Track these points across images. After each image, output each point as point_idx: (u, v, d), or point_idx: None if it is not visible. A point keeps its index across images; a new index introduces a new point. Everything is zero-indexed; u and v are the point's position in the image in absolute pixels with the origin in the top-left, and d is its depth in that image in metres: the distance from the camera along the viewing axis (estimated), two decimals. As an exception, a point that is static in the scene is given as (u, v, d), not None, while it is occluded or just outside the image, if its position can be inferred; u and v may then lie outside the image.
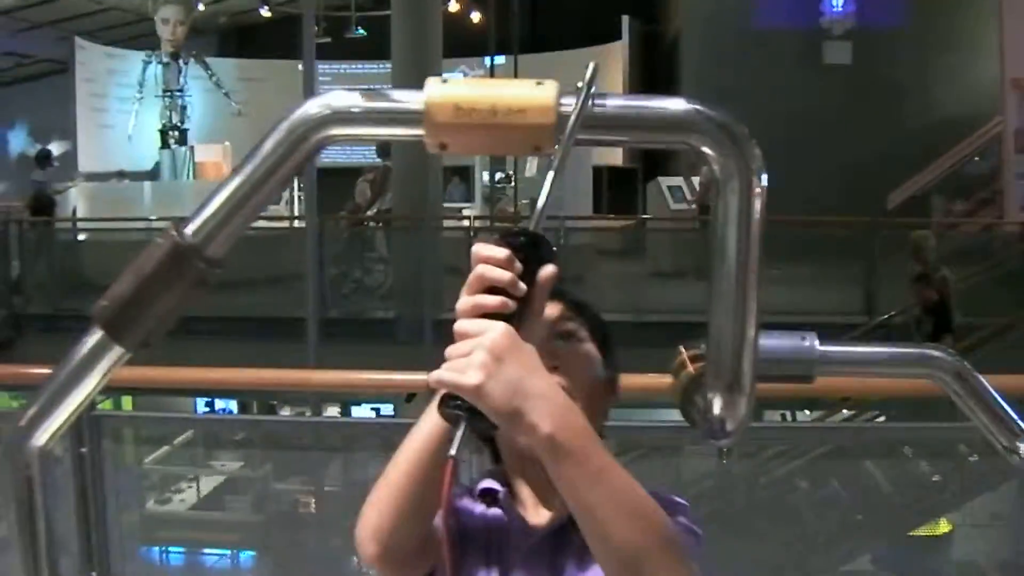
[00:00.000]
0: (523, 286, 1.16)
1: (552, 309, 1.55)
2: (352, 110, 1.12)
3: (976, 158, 17.60)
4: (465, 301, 1.17)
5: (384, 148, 12.73)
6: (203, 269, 1.17)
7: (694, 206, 15.97)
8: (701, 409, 1.29)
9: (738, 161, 1.12)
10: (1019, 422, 1.57)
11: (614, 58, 21.23)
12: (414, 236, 12.69)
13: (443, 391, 1.14)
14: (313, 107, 1.13)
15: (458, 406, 1.12)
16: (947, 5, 16.99)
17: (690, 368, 1.40)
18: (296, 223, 14.51)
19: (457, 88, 1.11)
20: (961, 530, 5.56)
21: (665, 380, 1.38)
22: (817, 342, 1.68)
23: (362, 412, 11.30)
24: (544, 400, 1.15)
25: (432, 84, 1.11)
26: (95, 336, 1.20)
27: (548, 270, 1.19)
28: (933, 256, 10.00)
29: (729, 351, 1.20)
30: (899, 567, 5.72)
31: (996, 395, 1.58)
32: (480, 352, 1.11)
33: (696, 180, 16.16)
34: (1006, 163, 16.31)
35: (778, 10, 17.10)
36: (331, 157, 22.82)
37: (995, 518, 5.33)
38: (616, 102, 1.13)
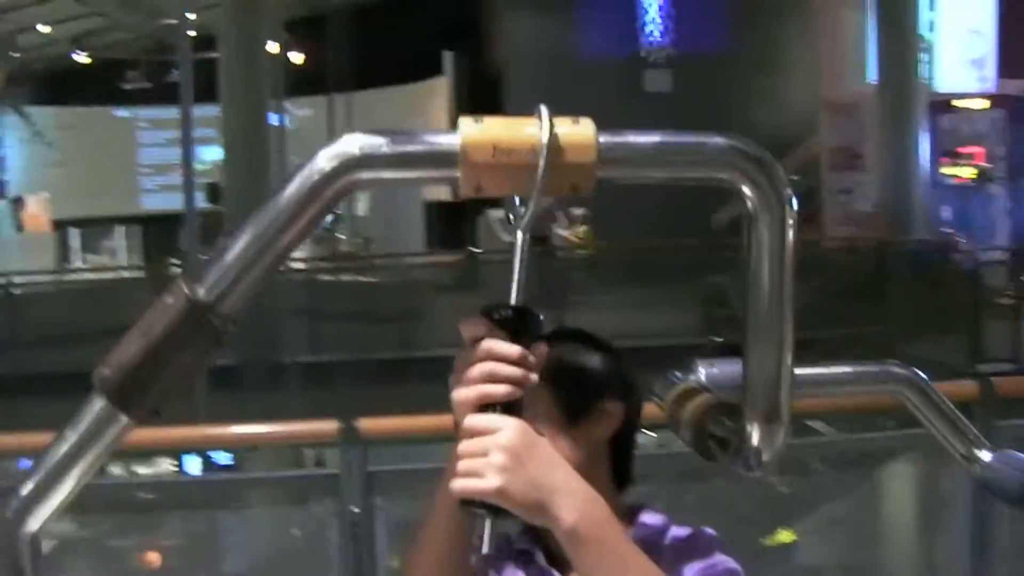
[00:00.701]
0: (534, 378, 1.13)
1: None
2: (380, 152, 1.07)
3: (795, 177, 18.27)
4: (469, 392, 1.13)
5: (214, 193, 12.45)
6: (219, 327, 1.09)
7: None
8: (727, 441, 1.27)
9: (772, 195, 1.12)
10: (975, 432, 1.61)
11: (438, 93, 21.30)
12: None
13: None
14: (337, 151, 1.06)
15: (482, 504, 1.11)
16: (765, 30, 17.62)
17: (695, 400, 1.39)
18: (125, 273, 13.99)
19: (494, 128, 1.07)
20: (806, 537, 5.73)
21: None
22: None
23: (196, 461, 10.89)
24: (565, 493, 1.14)
25: (467, 124, 1.07)
26: (97, 406, 1.10)
27: (542, 349, 1.16)
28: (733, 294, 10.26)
29: (767, 382, 1.19)
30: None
31: (952, 407, 1.62)
32: (498, 454, 1.09)
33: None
34: (824, 182, 16.99)
35: (599, 40, 17.46)
36: (155, 204, 22.28)
37: (835, 524, 5.52)
38: (652, 139, 1.11)
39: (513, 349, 1.12)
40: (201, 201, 14.05)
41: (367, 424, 2.93)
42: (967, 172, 15.64)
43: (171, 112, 23.03)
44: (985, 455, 1.58)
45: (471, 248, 17.02)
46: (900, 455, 3.97)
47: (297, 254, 17.23)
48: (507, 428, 1.11)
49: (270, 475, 3.29)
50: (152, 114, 22.08)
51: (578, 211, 16.54)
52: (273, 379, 11.21)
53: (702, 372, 1.64)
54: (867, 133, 16.29)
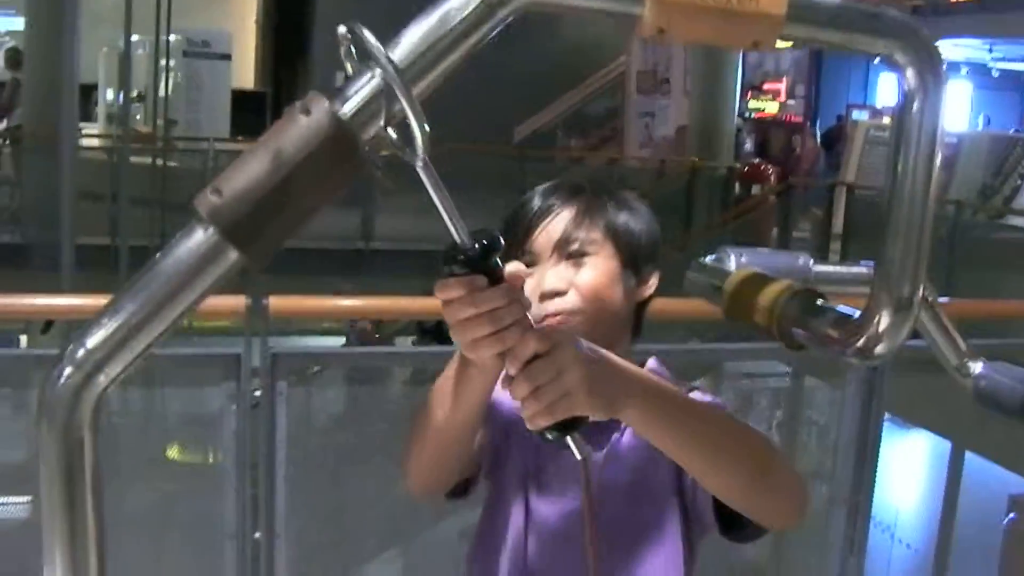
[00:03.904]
0: (528, 301, 1.12)
1: (557, 225, 1.53)
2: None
3: (596, 99, 18.49)
4: (487, 350, 1.11)
5: (13, 60, 11.66)
6: (363, 158, 0.96)
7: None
8: (830, 334, 1.25)
9: (931, 78, 1.08)
10: (967, 344, 1.64)
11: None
12: (46, 156, 11.70)
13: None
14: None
15: (556, 426, 1.11)
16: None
17: (771, 286, 1.36)
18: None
19: (694, -36, 0.97)
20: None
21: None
22: (812, 261, 1.70)
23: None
24: (627, 383, 1.18)
25: (665, -44, 0.97)
26: (199, 239, 0.96)
27: (513, 267, 1.13)
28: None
29: (904, 270, 1.14)
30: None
31: (946, 319, 1.64)
32: (564, 375, 1.09)
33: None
34: (628, 102, 17.25)
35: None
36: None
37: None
38: (834, 2, 1.04)
39: (498, 297, 1.07)
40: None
41: (276, 303, 2.80)
42: (770, 107, 16.19)
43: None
44: (977, 367, 1.61)
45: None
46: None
47: (92, 131, 16.48)
48: (562, 343, 1.10)
49: (168, 352, 3.08)
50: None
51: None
52: (59, 260, 10.67)
53: (733, 259, 1.62)
54: (674, 58, 16.59)
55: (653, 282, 1.60)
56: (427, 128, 0.98)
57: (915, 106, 1.08)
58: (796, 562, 4.11)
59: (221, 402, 2.91)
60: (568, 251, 1.52)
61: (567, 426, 1.11)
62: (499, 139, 14.80)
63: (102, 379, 0.99)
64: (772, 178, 12.49)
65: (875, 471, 3.68)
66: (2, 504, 3.74)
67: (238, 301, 2.82)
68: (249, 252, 0.96)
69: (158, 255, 1.00)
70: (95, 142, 15.20)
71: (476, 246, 1.06)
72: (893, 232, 1.14)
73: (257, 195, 0.95)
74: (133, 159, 12.96)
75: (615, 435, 1.53)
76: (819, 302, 1.35)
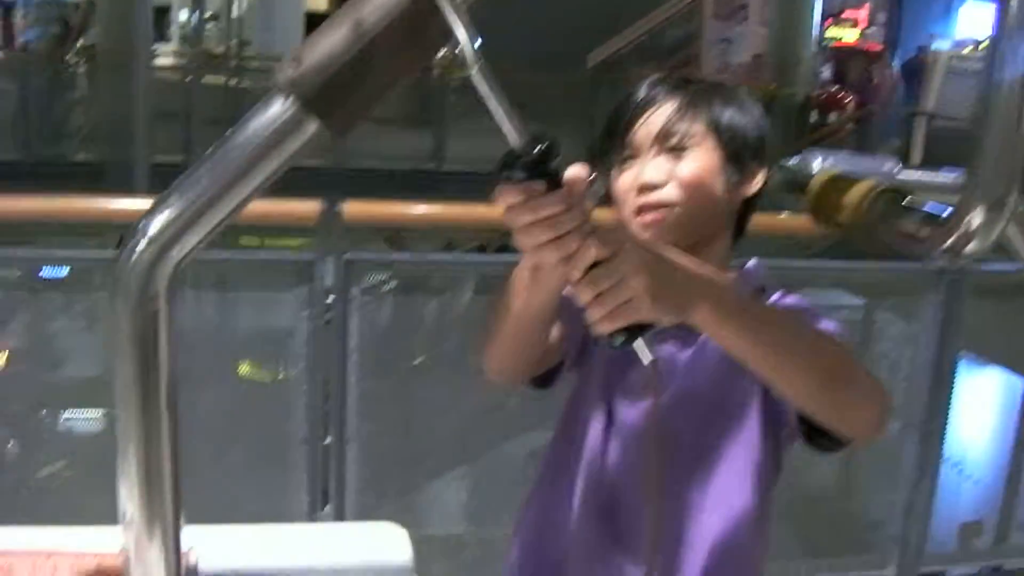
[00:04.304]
0: (590, 204, 1.07)
1: (658, 117, 1.49)
2: None
3: (673, 25, 18.21)
4: (549, 257, 1.07)
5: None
6: (443, 31, 0.93)
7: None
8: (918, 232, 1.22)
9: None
10: None
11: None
12: (120, 76, 11.79)
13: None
14: None
15: (624, 329, 1.09)
16: None
17: (859, 186, 1.33)
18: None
19: None
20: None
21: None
22: (898, 166, 1.66)
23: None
24: (698, 284, 1.14)
25: None
26: (278, 108, 0.94)
27: (573, 172, 1.06)
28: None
29: (998, 170, 1.10)
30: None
31: None
32: (632, 278, 1.06)
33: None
34: (704, 28, 16.97)
35: None
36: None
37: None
38: None
39: (557, 202, 1.03)
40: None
41: (351, 208, 2.79)
42: (849, 35, 15.82)
43: None
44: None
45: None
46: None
47: (165, 51, 16.60)
48: (626, 248, 1.07)
49: (243, 256, 3.09)
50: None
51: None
52: (132, 178, 10.80)
53: (818, 160, 1.59)
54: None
55: (759, 179, 1.53)
56: (476, 36, 0.94)
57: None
58: (866, 488, 4.08)
59: (294, 309, 2.92)
60: (668, 144, 1.48)
61: (635, 331, 1.09)
62: (571, 66, 14.61)
63: (176, 252, 0.98)
64: (849, 106, 12.25)
65: (950, 399, 3.62)
66: (82, 417, 3.80)
67: (313, 206, 2.82)
68: (328, 122, 0.94)
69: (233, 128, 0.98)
70: (169, 62, 15.29)
71: (534, 150, 1.03)
72: (989, 130, 1.10)
73: (337, 64, 0.93)
74: (206, 79, 13.06)
75: (703, 336, 1.48)
76: (906, 202, 1.32)
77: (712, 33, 17.06)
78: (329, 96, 0.93)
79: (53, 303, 3.53)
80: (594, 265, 1.06)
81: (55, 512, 3.13)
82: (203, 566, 1.49)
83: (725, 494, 1.48)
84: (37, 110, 11.83)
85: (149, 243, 0.97)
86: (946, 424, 3.66)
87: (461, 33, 0.93)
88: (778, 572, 3.63)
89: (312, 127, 0.94)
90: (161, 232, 0.97)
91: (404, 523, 1.64)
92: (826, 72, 15.18)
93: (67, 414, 3.62)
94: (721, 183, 1.49)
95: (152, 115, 11.34)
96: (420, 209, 3.08)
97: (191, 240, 0.98)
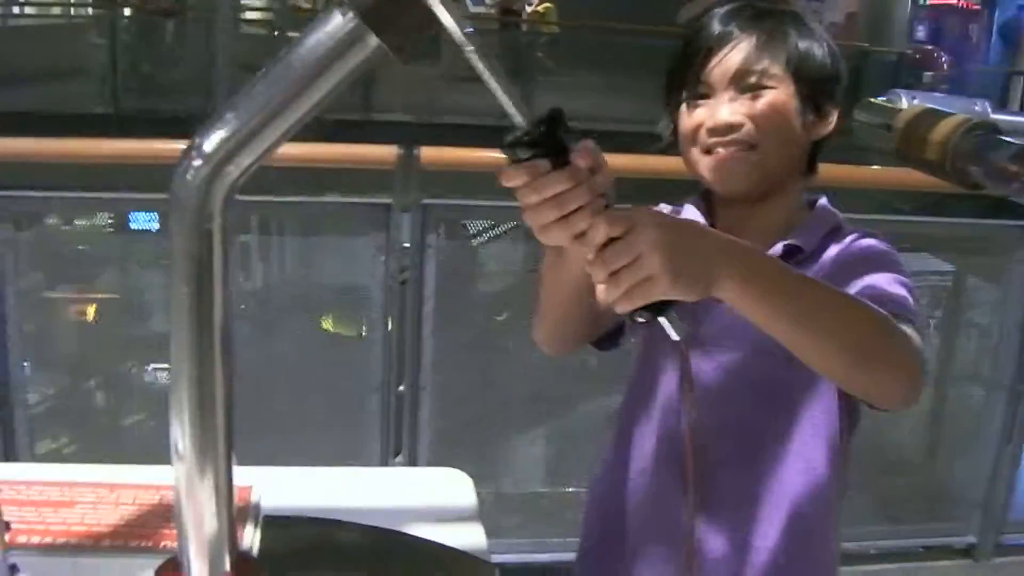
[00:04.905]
0: (601, 179, 1.02)
1: (735, 56, 1.42)
2: None
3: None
4: (559, 237, 1.03)
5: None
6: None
7: (493, 10, 15.82)
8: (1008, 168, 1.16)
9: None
10: None
11: None
12: (207, 29, 11.90)
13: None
14: None
15: (646, 309, 1.04)
16: None
17: (946, 120, 1.26)
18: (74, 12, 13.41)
19: None
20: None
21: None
22: (990, 106, 1.58)
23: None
24: (723, 258, 1.08)
25: None
26: (342, 24, 0.90)
27: (587, 145, 1.02)
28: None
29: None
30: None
31: None
32: (650, 254, 1.01)
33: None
34: (796, -12, 16.65)
35: None
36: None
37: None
38: None
39: (562, 181, 0.99)
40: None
41: (428, 152, 2.75)
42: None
43: None
44: None
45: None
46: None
47: (254, 4, 16.69)
48: (640, 225, 1.01)
49: (316, 199, 3.08)
50: None
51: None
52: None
53: (905, 98, 1.51)
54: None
55: (833, 119, 1.46)
56: (465, 18, 0.92)
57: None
58: (953, 448, 3.97)
59: (371, 252, 2.89)
60: (745, 84, 1.41)
61: (659, 307, 1.04)
62: (663, 20, 14.44)
63: (232, 169, 0.96)
64: (944, 65, 11.93)
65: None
66: (162, 369, 3.84)
67: (390, 151, 2.78)
68: (387, 37, 0.90)
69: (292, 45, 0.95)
70: (255, 15, 15.39)
71: (538, 128, 0.98)
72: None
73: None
74: (292, 33, 13.11)
75: None
76: (1000, 137, 1.24)
77: (806, -9, 16.76)
78: (388, 10, 0.90)
79: (144, 253, 3.58)
80: (610, 243, 1.01)
81: (136, 459, 3.16)
82: (266, 503, 1.49)
83: (797, 454, 1.42)
84: (126, 63, 11.98)
85: (205, 160, 0.95)
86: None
87: (446, 18, 0.91)
88: (856, 536, 3.56)
89: (371, 43, 0.91)
90: (217, 149, 0.95)
91: (477, 477, 1.61)
92: (922, 32, 14.83)
93: (152, 366, 3.66)
94: (798, 124, 1.42)
95: (240, 69, 11.42)
96: (497, 154, 3.01)
97: (247, 159, 0.96)
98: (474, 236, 3.18)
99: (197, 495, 1.03)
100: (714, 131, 1.41)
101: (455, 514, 1.53)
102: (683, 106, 1.46)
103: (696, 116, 1.43)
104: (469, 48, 0.93)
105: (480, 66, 0.95)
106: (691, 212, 1.52)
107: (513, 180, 1.01)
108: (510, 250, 3.39)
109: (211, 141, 0.95)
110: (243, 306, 3.21)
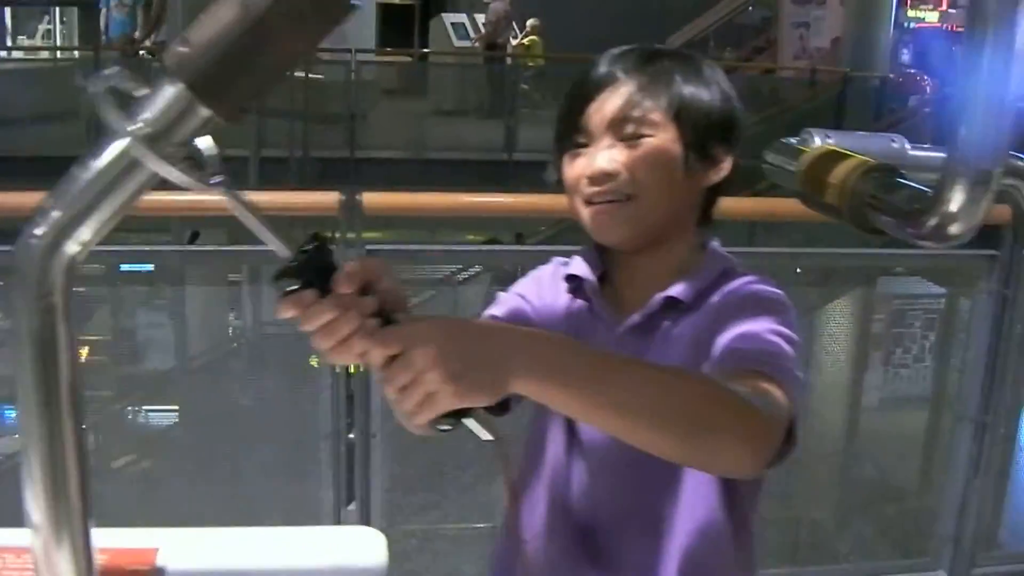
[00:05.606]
0: (368, 301, 0.99)
1: (614, 101, 1.38)
2: None
3: (750, 8, 18.01)
4: (341, 358, 1.00)
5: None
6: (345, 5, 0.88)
7: (477, 44, 15.90)
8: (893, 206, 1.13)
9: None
10: None
11: None
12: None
13: None
14: None
15: (447, 417, 1.02)
16: None
17: (845, 163, 1.24)
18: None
19: None
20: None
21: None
22: (908, 144, 1.55)
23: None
24: (513, 356, 1.02)
25: None
26: (169, 95, 0.88)
27: (352, 267, 1.00)
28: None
29: (984, 144, 1.00)
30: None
31: None
32: (431, 369, 0.98)
33: (481, 18, 15.97)
34: (782, 12, 16.75)
35: None
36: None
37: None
38: None
39: (329, 310, 0.97)
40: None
41: (369, 198, 2.72)
42: (930, 16, 15.43)
43: None
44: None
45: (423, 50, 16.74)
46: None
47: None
48: (413, 340, 0.98)
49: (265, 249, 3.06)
50: None
51: (530, 21, 16.21)
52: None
53: (818, 139, 1.48)
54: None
55: (726, 166, 1.41)
56: (216, 151, 0.92)
57: None
58: (923, 480, 3.94)
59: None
60: (623, 131, 1.37)
61: (460, 413, 1.02)
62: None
63: (72, 245, 0.94)
64: (928, 89, 11.93)
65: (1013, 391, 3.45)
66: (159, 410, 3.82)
67: (331, 197, 2.75)
68: (217, 107, 0.88)
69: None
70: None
71: (299, 257, 0.98)
72: (971, 99, 1.01)
73: (225, 45, 0.86)
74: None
75: (665, 323, 1.39)
76: (898, 179, 1.22)
77: (790, 17, 16.84)
78: (216, 81, 0.88)
79: (135, 296, 3.56)
80: (393, 359, 0.99)
81: (124, 500, 3.14)
82: (177, 566, 1.46)
83: (690, 508, 1.37)
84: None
85: (46, 232, 0.93)
86: (1018, 419, 3.49)
87: (203, 147, 0.92)
88: (829, 574, 3.53)
89: (202, 113, 0.89)
90: (56, 222, 0.93)
91: (432, 520, 1.57)
92: (906, 55, 14.84)
93: (142, 407, 3.65)
94: (680, 173, 1.38)
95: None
96: (441, 199, 2.99)
97: (86, 233, 0.94)
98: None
99: (55, 566, 1.01)
100: (592, 180, 1.37)
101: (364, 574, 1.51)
102: (567, 153, 1.42)
103: (577, 165, 1.40)
104: (224, 190, 0.93)
105: (233, 203, 0.95)
106: (579, 265, 1.48)
107: (284, 312, 0.99)
108: (455, 294, 3.36)
109: (53, 212, 0.93)
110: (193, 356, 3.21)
